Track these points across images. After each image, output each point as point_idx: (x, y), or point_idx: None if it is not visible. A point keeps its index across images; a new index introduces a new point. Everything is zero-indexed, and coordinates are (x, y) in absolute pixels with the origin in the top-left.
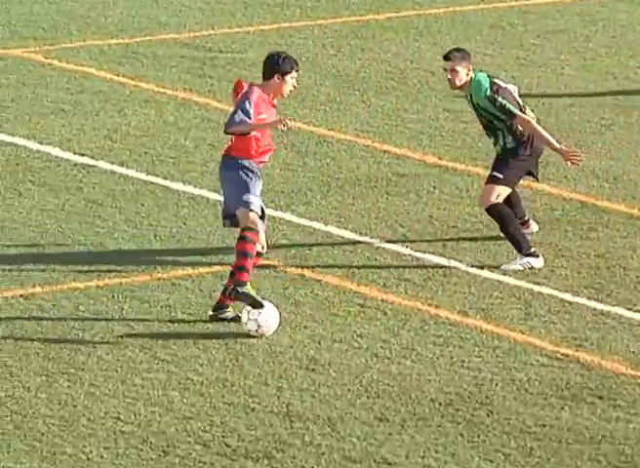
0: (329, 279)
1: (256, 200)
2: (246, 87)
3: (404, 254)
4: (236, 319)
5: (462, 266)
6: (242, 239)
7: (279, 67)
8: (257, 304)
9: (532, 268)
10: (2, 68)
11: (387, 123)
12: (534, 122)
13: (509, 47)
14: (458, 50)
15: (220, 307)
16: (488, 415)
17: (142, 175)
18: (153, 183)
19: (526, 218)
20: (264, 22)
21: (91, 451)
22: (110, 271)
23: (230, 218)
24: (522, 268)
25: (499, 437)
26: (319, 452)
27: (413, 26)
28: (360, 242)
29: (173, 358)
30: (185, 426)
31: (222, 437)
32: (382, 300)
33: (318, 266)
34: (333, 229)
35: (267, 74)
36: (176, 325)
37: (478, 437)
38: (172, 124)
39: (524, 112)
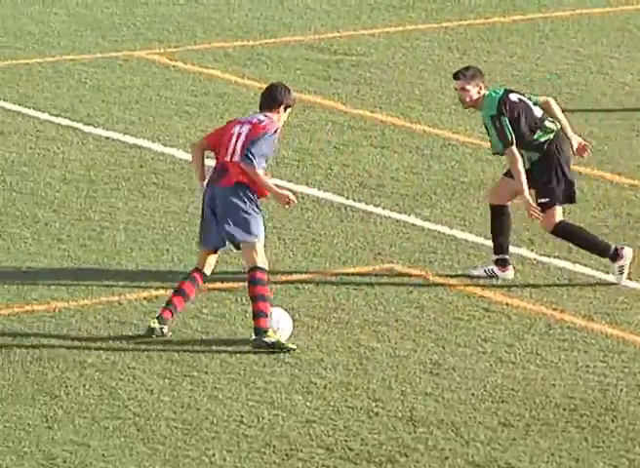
0: (453, 282)
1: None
2: (264, 119)
3: (528, 258)
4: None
5: (588, 270)
6: (255, 282)
7: (286, 99)
8: (284, 348)
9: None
10: (127, 70)
11: None
12: (518, 162)
13: (636, 50)
14: (467, 68)
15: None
16: (612, 421)
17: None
18: (278, 186)
19: (507, 257)
20: (390, 25)
21: (214, 455)
22: (234, 273)
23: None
24: (620, 273)
25: (623, 442)
26: (442, 457)
27: (538, 29)
28: (484, 245)
29: (296, 361)
30: (308, 430)
31: (345, 441)
32: (507, 304)
33: (442, 270)
34: (457, 233)
35: (271, 105)
36: (299, 328)
37: (603, 442)
38: (296, 126)
39: (543, 126)
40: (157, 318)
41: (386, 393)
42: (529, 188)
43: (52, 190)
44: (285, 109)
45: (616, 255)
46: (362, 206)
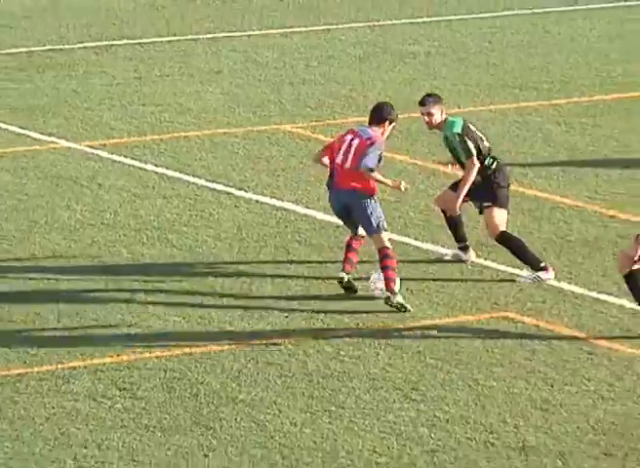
0: (561, 329)
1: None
2: (372, 135)
3: (627, 308)
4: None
5: None
6: (385, 257)
7: (391, 116)
8: (404, 307)
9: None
10: (274, 141)
11: (614, 191)
12: (474, 170)
13: None
14: (430, 95)
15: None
16: None
17: (395, 236)
18: (405, 244)
19: (467, 243)
20: (505, 102)
21: None
22: (369, 317)
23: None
24: (533, 282)
25: None
26: None
27: (638, 106)
28: (589, 296)
29: (422, 398)
30: (432, 458)
31: None
32: (609, 348)
33: (551, 318)
34: (564, 285)
35: (378, 121)
36: (424, 368)
37: None
38: (422, 190)
39: (491, 155)
40: (343, 270)
41: (501, 426)
42: (470, 198)
43: (207, 247)
44: (389, 124)
45: (542, 268)
46: (480, 261)
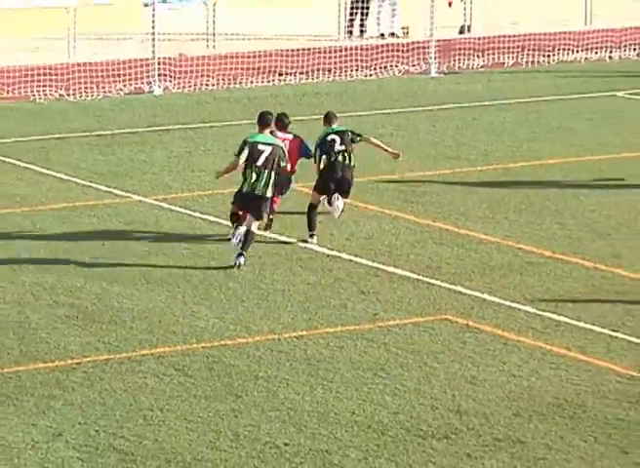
0: (484, 327)
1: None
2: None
3: (531, 312)
4: None
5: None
6: None
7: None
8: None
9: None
10: None
11: (521, 230)
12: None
13: None
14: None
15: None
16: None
17: (367, 261)
18: (377, 268)
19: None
20: (445, 169)
21: None
22: (349, 319)
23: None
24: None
25: None
26: None
27: (536, 172)
28: (504, 304)
29: (387, 375)
30: (394, 417)
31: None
32: (518, 340)
33: (477, 319)
34: (486, 296)
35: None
36: (388, 355)
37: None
38: (387, 231)
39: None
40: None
41: (443, 395)
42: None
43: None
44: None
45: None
46: (427, 279)
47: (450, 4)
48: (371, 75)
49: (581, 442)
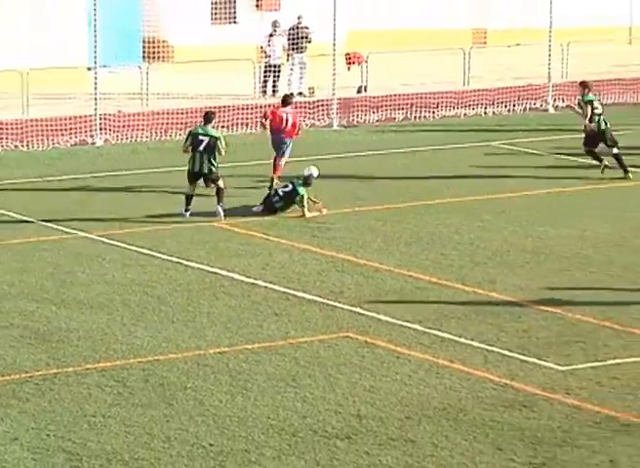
0: (379, 343)
1: None
2: None
3: (419, 329)
4: None
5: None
6: None
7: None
8: None
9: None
10: None
11: (410, 260)
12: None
13: None
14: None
15: None
16: None
17: (275, 287)
18: (285, 293)
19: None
20: (347, 207)
21: None
22: (266, 337)
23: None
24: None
25: None
26: None
27: (428, 209)
28: (396, 323)
29: (298, 384)
30: (304, 421)
31: None
32: (408, 354)
33: (374, 336)
34: (381, 316)
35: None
36: (299, 367)
37: None
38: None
39: None
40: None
41: (346, 401)
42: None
43: (174, 292)
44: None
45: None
46: (331, 302)
47: (349, 68)
48: None
49: (463, 441)
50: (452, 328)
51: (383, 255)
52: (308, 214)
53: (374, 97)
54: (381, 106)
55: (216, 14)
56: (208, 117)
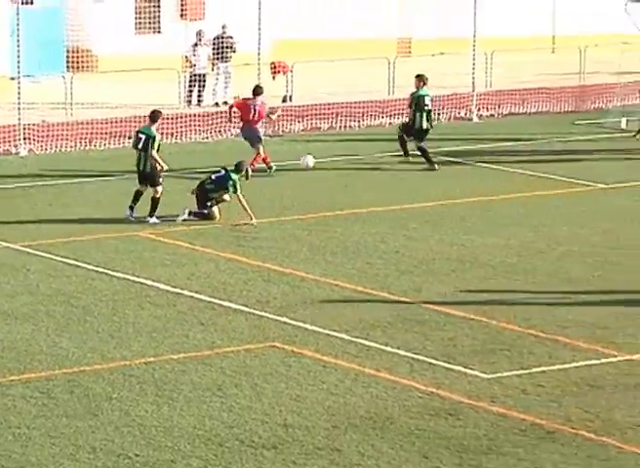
0: (306, 352)
1: None
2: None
3: (346, 339)
4: None
5: None
6: None
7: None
8: None
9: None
10: None
11: (339, 270)
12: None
13: None
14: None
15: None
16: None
17: (204, 297)
18: (213, 303)
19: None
20: (280, 217)
21: None
22: (190, 347)
23: None
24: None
25: None
26: None
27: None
28: (323, 332)
29: (224, 394)
30: (231, 431)
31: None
32: (335, 363)
33: (300, 346)
34: (307, 326)
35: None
36: (225, 376)
37: None
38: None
39: None
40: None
41: (272, 411)
42: None
43: (92, 301)
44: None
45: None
46: (259, 312)
47: (274, 77)
48: (207, 138)
49: (389, 449)
50: (378, 337)
51: (309, 265)
52: (244, 202)
53: (299, 107)
54: (307, 116)
55: (140, 23)
56: (153, 116)
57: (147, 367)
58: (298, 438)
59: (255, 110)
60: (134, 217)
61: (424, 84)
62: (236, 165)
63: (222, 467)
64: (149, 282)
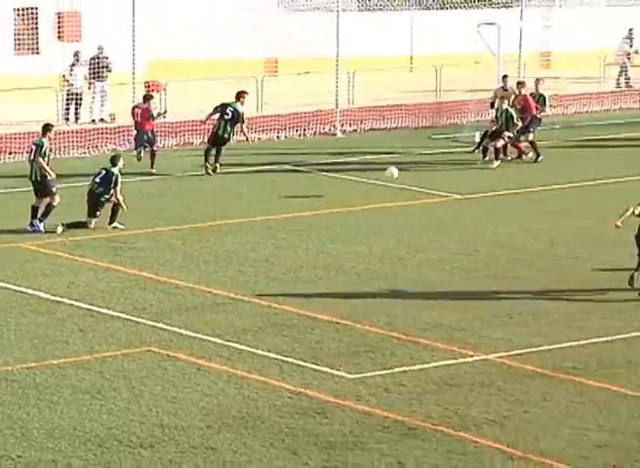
0: (180, 356)
1: None
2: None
3: (218, 343)
4: None
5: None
6: None
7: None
8: None
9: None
10: None
11: (217, 275)
12: None
13: None
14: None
15: None
16: None
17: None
18: (99, 313)
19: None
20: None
21: None
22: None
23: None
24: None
25: None
26: None
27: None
28: (197, 337)
29: (105, 396)
30: (127, 431)
31: None
32: (225, 369)
33: (176, 350)
34: (182, 331)
35: None
36: (104, 379)
37: None
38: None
39: None
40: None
41: (150, 412)
42: None
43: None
44: None
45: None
46: (135, 318)
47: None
48: (85, 153)
49: (261, 447)
50: (249, 340)
51: (184, 273)
52: (120, 197)
53: (172, 123)
54: (180, 131)
55: (19, 44)
56: (44, 128)
57: (29, 372)
58: (174, 437)
59: (140, 115)
60: (37, 227)
61: (242, 101)
62: (111, 159)
63: (102, 466)
64: (30, 291)
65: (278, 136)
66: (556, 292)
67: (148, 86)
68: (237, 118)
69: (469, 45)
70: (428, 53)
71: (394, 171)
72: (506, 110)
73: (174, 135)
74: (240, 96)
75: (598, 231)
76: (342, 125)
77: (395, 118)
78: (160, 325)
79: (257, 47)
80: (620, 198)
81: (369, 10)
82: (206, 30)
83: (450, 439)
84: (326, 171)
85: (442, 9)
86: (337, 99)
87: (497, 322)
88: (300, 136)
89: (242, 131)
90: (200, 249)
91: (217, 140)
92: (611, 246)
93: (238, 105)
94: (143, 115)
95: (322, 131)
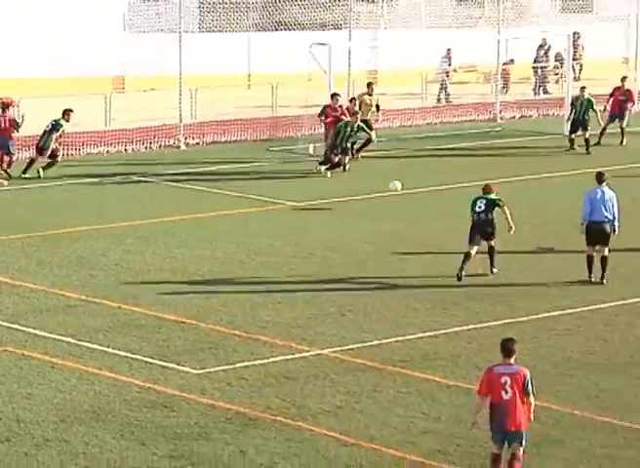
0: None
1: None
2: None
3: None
4: None
5: None
6: None
7: None
8: None
9: None
10: None
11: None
12: None
13: None
14: None
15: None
16: None
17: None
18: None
19: None
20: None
21: None
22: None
23: None
24: None
25: None
26: None
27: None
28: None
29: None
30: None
31: None
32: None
33: (53, 354)
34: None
35: None
36: None
37: None
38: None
39: None
40: None
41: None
42: None
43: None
44: None
45: None
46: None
47: (3, 110)
48: None
49: (112, 439)
50: (100, 339)
51: (38, 277)
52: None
53: (27, 137)
54: (32, 144)
55: None
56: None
57: None
58: (29, 431)
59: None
60: None
61: (68, 118)
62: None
63: None
64: None
65: (126, 149)
66: (385, 290)
67: (2, 102)
68: (57, 130)
69: (303, 64)
70: (265, 71)
71: (398, 185)
72: (354, 124)
73: (27, 148)
74: (65, 113)
75: (419, 235)
76: (186, 138)
77: (235, 131)
78: (15, 326)
79: (105, 65)
80: (439, 204)
81: (209, 31)
82: (55, 50)
83: (288, 428)
84: (171, 181)
85: (277, 30)
86: (180, 114)
87: (330, 319)
88: (146, 148)
89: (56, 141)
90: (53, 254)
91: (39, 150)
92: (433, 248)
93: (62, 121)
94: (10, 123)
95: (167, 143)
